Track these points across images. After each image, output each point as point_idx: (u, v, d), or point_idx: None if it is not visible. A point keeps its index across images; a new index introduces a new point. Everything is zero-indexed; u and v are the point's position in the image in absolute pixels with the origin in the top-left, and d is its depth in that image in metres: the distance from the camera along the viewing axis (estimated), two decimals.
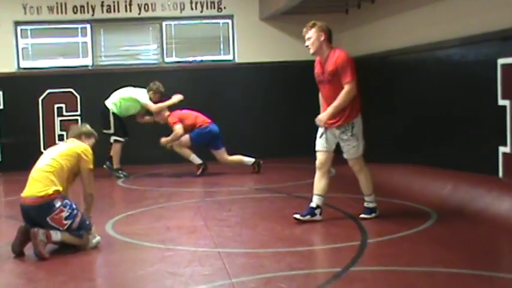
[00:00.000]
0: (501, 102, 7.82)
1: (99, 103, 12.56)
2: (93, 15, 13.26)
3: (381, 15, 11.56)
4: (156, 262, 5.76)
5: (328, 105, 7.12)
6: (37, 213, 6.08)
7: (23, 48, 13.34)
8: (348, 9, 12.62)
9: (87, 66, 13.43)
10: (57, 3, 13.14)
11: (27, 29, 13.32)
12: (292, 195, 9.02)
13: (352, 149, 7.26)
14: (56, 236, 6.07)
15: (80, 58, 13.44)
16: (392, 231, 6.54)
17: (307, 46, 7.29)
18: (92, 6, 13.21)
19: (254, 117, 13.35)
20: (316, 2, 11.52)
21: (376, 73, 11.95)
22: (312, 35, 7.16)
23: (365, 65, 12.45)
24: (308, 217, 7.01)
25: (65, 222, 6.09)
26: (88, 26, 13.39)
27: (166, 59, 13.59)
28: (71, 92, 13.11)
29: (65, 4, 13.14)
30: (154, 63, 13.59)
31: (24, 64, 13.30)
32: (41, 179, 6.17)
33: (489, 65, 8.05)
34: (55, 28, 13.36)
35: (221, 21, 13.67)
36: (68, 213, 6.11)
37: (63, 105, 13.06)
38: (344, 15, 12.80)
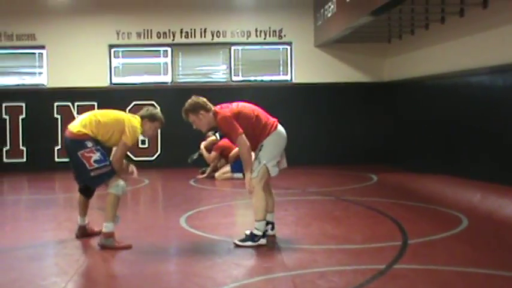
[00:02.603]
0: None
1: (176, 114, 12.56)
2: (173, 40, 13.33)
3: (420, 45, 11.31)
4: (223, 254, 5.62)
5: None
6: (71, 146, 5.88)
7: (115, 67, 13.45)
8: (391, 39, 12.40)
9: (167, 82, 13.48)
10: (144, 29, 13.25)
11: (119, 51, 13.43)
12: (339, 198, 8.81)
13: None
14: (107, 226, 5.86)
15: (161, 75, 13.50)
16: (430, 233, 6.28)
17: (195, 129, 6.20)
18: (172, 32, 13.28)
19: (307, 129, 13.18)
20: (362, 32, 11.31)
21: (414, 95, 11.72)
22: (193, 119, 6.00)
23: (404, 88, 12.25)
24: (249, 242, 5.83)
25: (93, 164, 5.77)
26: (169, 49, 13.45)
27: (234, 78, 13.55)
28: (153, 104, 13.07)
29: (151, 31, 13.25)
30: (223, 81, 13.56)
31: (116, 80, 13.42)
32: (81, 121, 5.96)
33: None
34: (142, 50, 13.45)
35: (281, 46, 13.56)
36: (98, 158, 5.79)
37: None
38: (387, 44, 12.56)
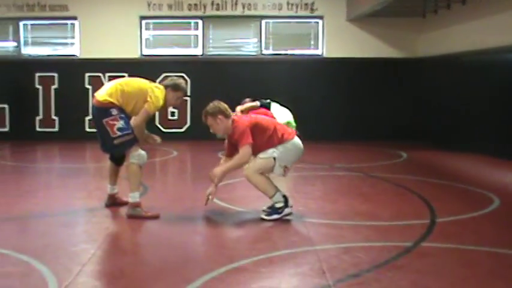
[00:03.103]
0: None
1: (206, 86, 12.69)
2: (204, 12, 13.30)
3: (456, 20, 11.12)
4: (250, 227, 5.66)
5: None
6: (97, 114, 5.96)
7: (145, 39, 13.49)
8: (425, 14, 12.19)
9: (197, 55, 13.49)
10: (175, 1, 13.25)
11: (149, 23, 13.46)
12: (368, 174, 8.78)
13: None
14: (133, 196, 5.94)
15: (191, 48, 13.50)
16: (459, 212, 6.23)
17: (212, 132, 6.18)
18: (203, 4, 13.26)
19: (336, 104, 13.13)
20: (396, 7, 11.15)
21: (449, 72, 11.56)
22: (211, 123, 6.00)
23: (439, 64, 12.08)
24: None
25: (116, 132, 5.84)
26: (200, 21, 13.43)
27: (264, 51, 13.50)
28: (182, 76, 13.15)
29: (182, 2, 13.25)
30: (253, 55, 13.52)
31: (146, 52, 13.48)
32: (107, 90, 6.00)
33: None
34: (172, 22, 13.45)
35: (312, 20, 13.45)
36: (121, 126, 5.85)
37: None
38: (421, 19, 12.36)
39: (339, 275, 4.21)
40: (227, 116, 5.97)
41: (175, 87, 6.22)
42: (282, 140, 5.89)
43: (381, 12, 11.76)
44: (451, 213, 6.17)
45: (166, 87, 6.19)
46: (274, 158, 5.84)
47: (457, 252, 4.88)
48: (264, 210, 5.92)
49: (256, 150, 5.89)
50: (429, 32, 12.65)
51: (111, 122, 5.87)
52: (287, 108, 11.24)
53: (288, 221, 5.82)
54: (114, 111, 5.90)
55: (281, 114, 11.21)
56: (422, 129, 12.81)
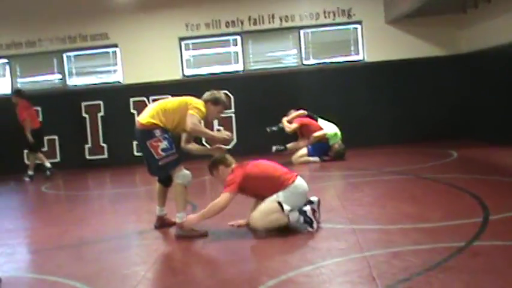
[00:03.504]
0: None
1: (250, 101, 12.79)
2: (242, 28, 13.39)
3: (497, 13, 10.89)
4: (299, 237, 5.64)
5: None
6: (140, 137, 6.03)
7: (186, 59, 13.66)
8: (466, 9, 11.99)
9: (238, 71, 13.58)
10: (212, 20, 13.37)
11: (189, 43, 13.63)
12: (417, 176, 8.64)
13: None
14: (179, 216, 5.96)
15: (232, 64, 13.60)
16: None
17: None
18: (241, 20, 13.34)
19: (381, 108, 13.01)
20: (435, 5, 11.00)
21: (496, 65, 11.33)
22: (215, 175, 6.15)
23: (484, 58, 11.84)
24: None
25: (161, 153, 5.89)
26: (238, 37, 13.52)
27: (305, 62, 13.48)
28: (226, 93, 13.26)
29: (219, 20, 13.36)
30: (294, 66, 13.52)
31: (188, 72, 13.63)
32: (149, 112, 6.07)
33: None
34: (211, 41, 13.59)
35: (351, 26, 13.38)
36: (165, 147, 5.90)
37: None
38: (461, 14, 12.16)
39: (389, 281, 4.16)
40: (227, 166, 6.02)
41: (215, 101, 6.22)
42: (283, 186, 5.85)
43: (420, 12, 11.63)
44: (505, 210, 6.00)
45: (206, 101, 6.19)
46: (279, 203, 5.79)
47: (511, 249, 4.75)
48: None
49: (259, 197, 5.94)
50: (471, 27, 12.43)
51: (154, 144, 5.94)
52: (333, 123, 11.29)
53: (337, 229, 5.79)
54: (158, 133, 5.96)
55: (328, 126, 11.25)
56: (472, 126, 12.56)
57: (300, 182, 5.98)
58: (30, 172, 12.06)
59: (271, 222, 5.79)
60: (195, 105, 6.02)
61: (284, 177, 5.92)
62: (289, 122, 11.54)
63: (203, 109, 6.08)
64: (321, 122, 11.53)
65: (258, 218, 5.84)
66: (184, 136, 6.42)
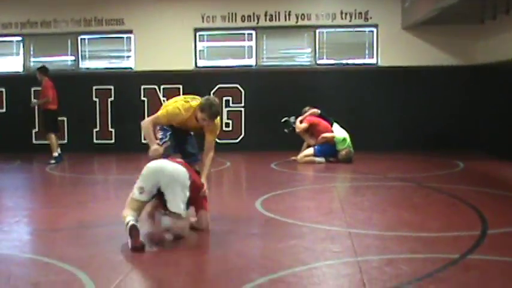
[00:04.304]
0: None
1: (260, 97, 12.81)
2: (257, 23, 13.37)
3: None
4: (294, 237, 5.63)
5: None
6: None
7: (200, 50, 13.67)
8: (484, 20, 11.90)
9: (251, 66, 13.57)
10: (228, 13, 13.36)
11: (203, 35, 13.63)
12: (421, 184, 8.62)
13: None
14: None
15: (245, 59, 13.60)
16: None
17: None
18: (257, 15, 13.32)
19: (391, 114, 12.96)
20: (452, 14, 10.93)
21: (508, 78, 11.24)
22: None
23: (499, 70, 11.76)
24: None
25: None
26: (253, 32, 13.51)
27: (318, 61, 13.45)
28: (236, 87, 13.29)
29: (235, 14, 13.34)
30: (307, 65, 13.50)
31: (201, 63, 13.64)
32: None
33: None
34: (226, 34, 13.59)
35: (367, 29, 13.34)
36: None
37: (230, 98, 13.27)
38: (479, 25, 12.07)
39: (379, 287, 4.15)
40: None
41: (201, 108, 6.06)
42: None
43: (437, 20, 11.55)
44: (504, 225, 5.99)
45: (198, 105, 6.12)
46: None
47: (506, 265, 4.73)
48: None
49: None
50: (488, 38, 12.35)
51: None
52: (346, 130, 11.23)
53: (333, 232, 5.78)
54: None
55: (339, 131, 11.22)
56: (482, 138, 12.49)
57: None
58: (56, 153, 11.74)
59: None
60: (165, 106, 6.38)
61: None
62: (301, 121, 11.50)
63: (172, 111, 6.19)
64: (336, 126, 11.46)
65: None
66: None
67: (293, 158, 11.32)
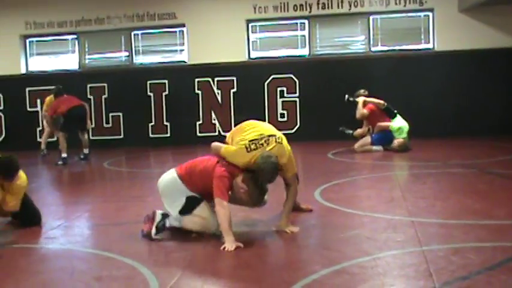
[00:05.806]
0: None
1: (315, 86, 12.68)
2: (310, 12, 13.24)
3: None
4: (355, 227, 5.52)
5: None
6: None
7: (252, 41, 13.62)
8: None
9: (304, 55, 13.45)
10: (280, 3, 13.28)
11: (256, 25, 13.57)
12: (484, 171, 8.36)
13: None
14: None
15: (298, 49, 13.48)
16: None
17: None
18: (309, 4, 13.20)
19: (449, 99, 12.64)
20: None
21: None
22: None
23: None
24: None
25: None
26: (306, 21, 13.39)
27: (373, 48, 13.23)
28: (291, 78, 13.20)
29: (287, 3, 13.25)
30: (361, 52, 13.29)
31: (254, 54, 13.60)
32: None
33: None
34: (278, 24, 13.49)
35: (422, 13, 13.03)
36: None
37: (284, 88, 13.20)
38: None
39: (446, 277, 4.01)
40: None
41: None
42: None
43: (495, 0, 11.18)
44: None
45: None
46: None
47: None
48: None
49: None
50: None
51: None
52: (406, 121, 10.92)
53: (395, 221, 5.64)
54: None
55: (398, 121, 10.89)
56: None
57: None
58: (85, 151, 11.55)
59: None
60: (233, 147, 5.60)
61: None
62: (364, 103, 11.16)
63: (234, 155, 5.48)
64: (398, 118, 11.11)
65: None
66: None
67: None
